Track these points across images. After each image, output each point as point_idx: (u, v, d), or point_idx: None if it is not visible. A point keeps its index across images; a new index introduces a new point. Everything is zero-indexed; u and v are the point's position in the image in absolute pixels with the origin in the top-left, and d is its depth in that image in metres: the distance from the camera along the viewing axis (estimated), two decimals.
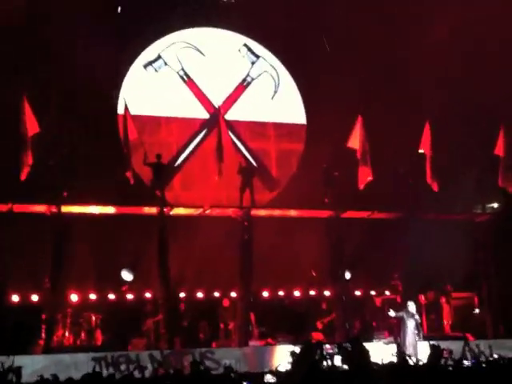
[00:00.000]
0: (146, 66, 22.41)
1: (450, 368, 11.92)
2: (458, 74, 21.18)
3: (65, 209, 17.84)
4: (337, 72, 22.26)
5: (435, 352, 12.48)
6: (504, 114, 20.71)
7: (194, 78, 22.70)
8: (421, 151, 20.60)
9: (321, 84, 22.41)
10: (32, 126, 17.46)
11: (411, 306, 17.25)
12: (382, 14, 21.65)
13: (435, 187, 20.04)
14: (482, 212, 21.39)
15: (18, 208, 17.39)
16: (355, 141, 20.27)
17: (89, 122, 19.78)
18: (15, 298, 18.17)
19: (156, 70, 22.48)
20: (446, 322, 19.52)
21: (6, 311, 17.34)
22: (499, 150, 20.57)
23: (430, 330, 19.07)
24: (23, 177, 17.30)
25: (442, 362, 12.82)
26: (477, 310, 19.99)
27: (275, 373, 11.87)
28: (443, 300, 19.76)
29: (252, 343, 17.75)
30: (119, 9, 21.72)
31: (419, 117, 20.85)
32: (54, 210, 17.69)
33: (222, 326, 18.89)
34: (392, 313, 17.32)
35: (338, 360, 10.39)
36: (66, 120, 19.06)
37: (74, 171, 18.10)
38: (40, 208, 17.76)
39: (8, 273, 17.28)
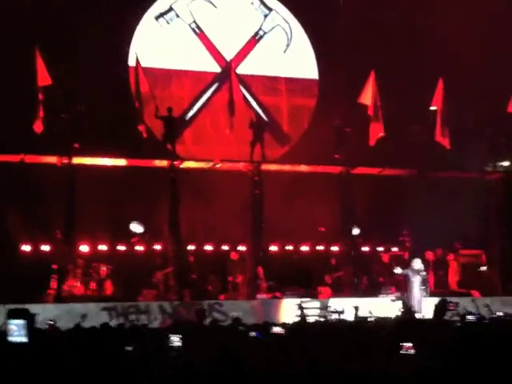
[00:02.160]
0: (157, 18, 22.21)
1: (458, 323, 12.06)
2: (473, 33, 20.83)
3: (76, 160, 17.94)
4: (350, 26, 22.05)
5: (440, 304, 12.64)
6: None
7: (206, 31, 22.52)
8: (433, 108, 20.47)
9: (334, 38, 22.20)
10: (44, 77, 17.50)
11: (417, 263, 17.36)
12: None
13: (447, 144, 19.96)
14: (493, 170, 21.25)
15: (30, 159, 17.52)
16: (367, 96, 20.20)
17: (101, 75, 19.72)
18: (27, 248, 18.40)
19: (168, 22, 22.29)
20: (453, 279, 19.61)
21: (18, 261, 17.64)
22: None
23: (437, 286, 19.15)
24: (36, 129, 17.39)
25: (448, 315, 13.02)
26: (484, 268, 20.06)
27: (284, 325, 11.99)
28: (451, 257, 19.83)
29: (259, 296, 17.94)
30: None
31: (434, 73, 20.67)
32: (65, 161, 17.79)
33: (230, 279, 19.08)
34: (398, 270, 17.44)
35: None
36: (78, 72, 19.06)
37: (85, 124, 18.14)
38: (51, 159, 17.87)
39: (20, 223, 17.48)
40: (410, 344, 7.34)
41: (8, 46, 17.86)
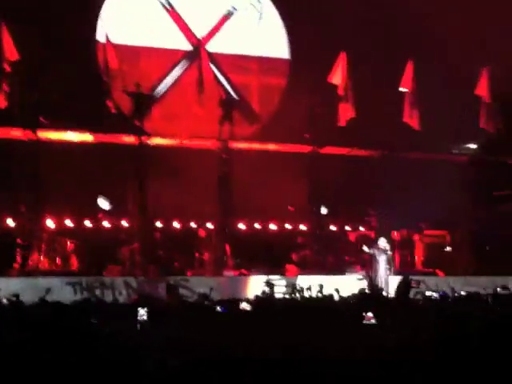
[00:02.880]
0: None
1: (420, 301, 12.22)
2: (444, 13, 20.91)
3: (42, 134, 17.72)
4: (322, 5, 21.99)
5: (404, 282, 12.81)
6: (487, 56, 20.60)
7: (177, 8, 22.29)
8: (402, 89, 20.55)
9: (305, 18, 22.13)
10: (11, 52, 17.24)
11: (382, 242, 17.54)
12: None
13: (415, 125, 20.07)
14: (460, 152, 21.46)
15: None
16: (337, 77, 20.17)
17: (68, 49, 19.45)
18: None
19: None
20: (417, 259, 19.84)
21: None
22: (481, 90, 20.55)
23: (402, 265, 19.38)
24: (1, 104, 17.13)
25: (412, 293, 13.18)
26: (448, 248, 20.31)
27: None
28: (416, 237, 20.05)
29: (226, 273, 17.97)
30: None
31: (404, 54, 20.72)
32: (30, 135, 17.56)
33: (197, 255, 19.08)
34: (365, 248, 17.59)
35: None
36: (45, 46, 18.77)
37: (52, 98, 17.92)
38: (17, 133, 17.63)
39: None
40: (371, 314, 7.40)
41: None
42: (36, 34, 18.64)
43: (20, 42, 17.66)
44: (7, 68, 17.37)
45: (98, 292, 15.64)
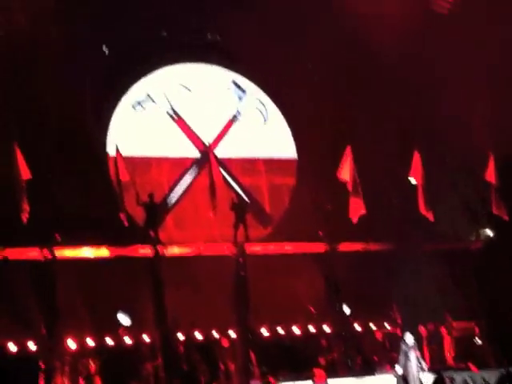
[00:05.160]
0: (134, 106, 22.36)
1: None
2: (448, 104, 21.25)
3: (58, 253, 17.69)
4: (324, 104, 22.39)
5: (438, 379, 12.45)
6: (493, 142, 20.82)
7: (183, 116, 22.68)
8: (412, 180, 20.62)
9: (309, 117, 22.49)
10: (24, 172, 17.41)
11: (409, 338, 17.11)
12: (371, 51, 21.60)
13: (430, 217, 20.03)
14: (476, 239, 21.37)
15: (13, 255, 17.23)
16: (345, 172, 20.25)
17: (80, 165, 19.66)
18: (12, 347, 17.80)
19: (144, 109, 22.42)
20: (448, 353, 19.40)
21: (4, 361, 17.06)
22: (490, 176, 20.63)
23: (433, 361, 18.90)
24: (24, 221, 17.15)
25: None
26: (478, 340, 19.90)
27: None
28: (444, 330, 19.66)
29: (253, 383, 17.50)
30: (106, 50, 21.66)
31: (408, 145, 20.91)
32: (47, 254, 17.51)
33: (222, 367, 18.62)
34: (398, 369, 16.93)
35: None
36: (56, 163, 18.99)
37: (66, 215, 17.97)
38: (33, 253, 17.59)
39: (3, 321, 16.99)
40: None
41: None
42: (47, 152, 18.98)
43: (32, 160, 17.83)
44: (22, 186, 17.47)
45: None
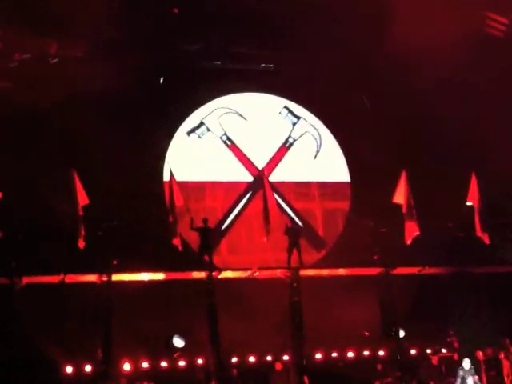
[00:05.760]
0: (189, 133, 22.80)
1: None
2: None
3: (115, 277, 17.97)
4: (378, 127, 22.38)
5: None
6: None
7: (237, 142, 22.99)
8: (469, 204, 20.35)
9: (363, 141, 22.48)
10: (82, 198, 17.85)
11: (467, 363, 16.78)
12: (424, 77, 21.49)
13: (486, 239, 19.69)
14: None
15: (70, 279, 17.61)
16: (400, 196, 20.12)
17: (136, 191, 20.09)
18: (69, 370, 18.17)
19: (199, 137, 22.85)
20: (506, 379, 18.89)
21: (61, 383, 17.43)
22: None
23: None
24: (81, 246, 17.55)
25: None
26: None
27: None
28: (502, 355, 19.17)
29: None
30: (161, 80, 22.20)
31: (465, 167, 20.66)
32: (104, 278, 17.81)
33: None
34: None
35: None
36: (113, 190, 19.45)
37: (122, 240, 18.28)
38: (91, 278, 17.93)
39: (61, 344, 17.37)
40: None
41: (47, 169, 18.35)
42: (104, 178, 19.47)
43: (89, 186, 18.28)
44: (80, 212, 17.86)
45: None
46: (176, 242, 18.89)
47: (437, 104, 21.98)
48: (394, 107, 22.49)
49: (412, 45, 19.65)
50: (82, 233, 17.39)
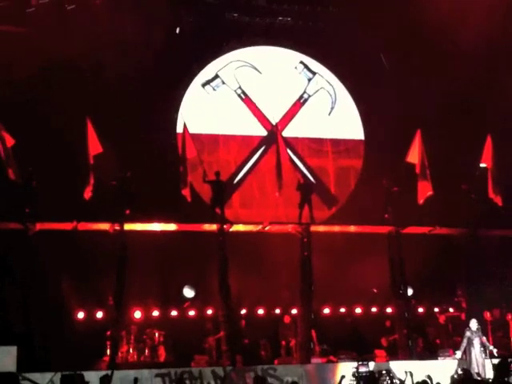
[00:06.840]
0: (204, 85, 22.67)
1: None
2: None
3: (127, 226, 18.03)
4: (394, 86, 22.16)
5: (502, 364, 12.22)
6: None
7: (252, 96, 22.86)
8: (483, 165, 20.24)
9: (378, 99, 22.30)
10: (95, 146, 17.77)
11: (474, 324, 16.86)
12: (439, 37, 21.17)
13: (499, 201, 19.63)
14: None
15: (82, 226, 17.69)
16: (414, 155, 20.00)
17: (150, 142, 20.06)
18: (80, 315, 18.44)
19: (214, 89, 22.72)
20: None
21: (73, 328, 17.67)
22: None
23: (497, 347, 18.53)
24: (86, 196, 17.58)
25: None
26: None
27: None
28: (509, 317, 19.27)
29: (314, 360, 17.57)
30: (177, 29, 22.00)
31: (482, 130, 20.51)
32: (116, 227, 17.87)
33: (283, 343, 18.80)
34: (458, 354, 16.75)
35: None
36: (127, 140, 19.41)
37: (135, 190, 18.31)
38: (103, 226, 17.99)
39: (73, 290, 17.57)
40: None
41: (62, 116, 18.29)
42: (119, 128, 19.41)
43: (103, 135, 18.22)
44: (91, 161, 17.81)
45: (187, 383, 15.52)
46: (185, 192, 18.83)
47: (455, 65, 21.73)
48: (412, 67, 22.22)
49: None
50: (91, 181, 17.35)
